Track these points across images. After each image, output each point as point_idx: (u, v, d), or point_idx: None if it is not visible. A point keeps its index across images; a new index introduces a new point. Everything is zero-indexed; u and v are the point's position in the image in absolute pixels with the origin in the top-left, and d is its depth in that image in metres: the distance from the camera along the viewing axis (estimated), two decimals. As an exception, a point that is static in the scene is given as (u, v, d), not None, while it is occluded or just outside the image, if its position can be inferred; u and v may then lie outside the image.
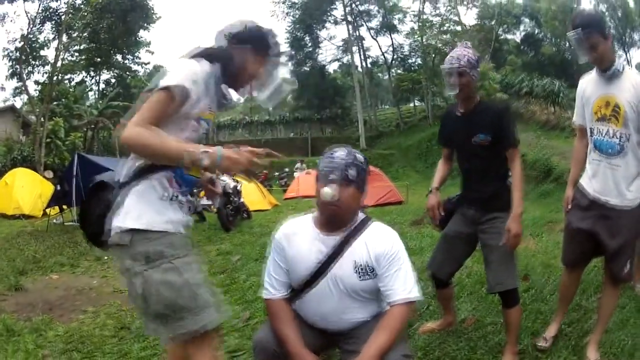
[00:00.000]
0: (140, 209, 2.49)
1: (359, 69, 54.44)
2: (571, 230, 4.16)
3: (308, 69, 53.97)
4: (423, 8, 51.07)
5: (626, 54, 57.75)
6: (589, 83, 4.07)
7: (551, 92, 36.46)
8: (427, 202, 4.19)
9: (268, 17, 52.63)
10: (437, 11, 51.24)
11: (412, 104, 59.37)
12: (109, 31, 38.65)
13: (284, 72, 2.96)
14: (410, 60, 55.66)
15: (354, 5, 51.03)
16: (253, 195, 16.91)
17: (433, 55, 48.25)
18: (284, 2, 51.48)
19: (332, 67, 60.80)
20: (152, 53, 46.01)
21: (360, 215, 3.06)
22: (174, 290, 2.45)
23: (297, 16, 51.90)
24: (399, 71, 56.13)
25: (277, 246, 3.09)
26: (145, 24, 41.82)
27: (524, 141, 26.06)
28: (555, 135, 32.29)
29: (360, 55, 54.07)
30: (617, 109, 3.82)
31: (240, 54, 2.81)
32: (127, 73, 45.22)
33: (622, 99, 3.79)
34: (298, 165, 30.43)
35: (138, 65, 46.20)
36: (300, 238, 3.03)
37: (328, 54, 56.51)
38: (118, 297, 6.45)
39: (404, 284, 2.86)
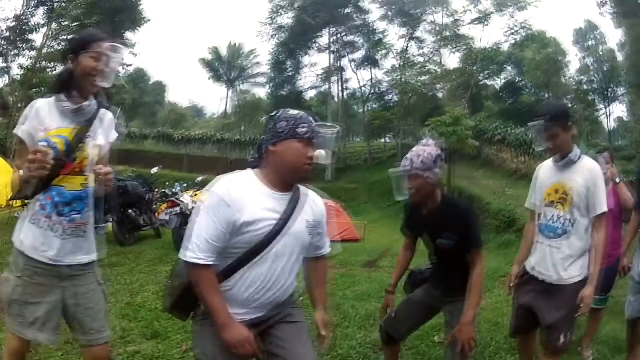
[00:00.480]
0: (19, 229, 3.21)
1: (336, 99, 54.72)
2: (515, 304, 4.42)
3: (285, 94, 54.01)
4: (407, 47, 51.51)
5: (606, 109, 59.00)
6: (545, 170, 4.34)
7: (524, 142, 36.29)
8: (384, 300, 4.36)
9: (253, 37, 52.89)
10: (421, 51, 51.74)
11: (383, 140, 59.61)
12: (97, 28, 38.33)
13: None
14: (387, 97, 55.81)
15: (340, 36, 51.08)
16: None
17: (410, 95, 48.60)
18: (270, 24, 51.53)
19: (309, 95, 61.22)
20: (136, 55, 45.80)
21: None
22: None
23: (282, 39, 51.91)
24: (374, 106, 56.40)
25: (220, 206, 2.82)
26: (133, 26, 41.49)
27: (490, 189, 26.27)
28: (524, 185, 32.23)
29: (338, 85, 54.15)
30: (565, 196, 4.10)
31: (74, 63, 3.20)
32: (109, 72, 44.93)
33: (572, 186, 4.06)
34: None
35: (120, 65, 45.88)
36: (250, 197, 2.89)
37: (307, 80, 56.44)
38: None
39: (327, 238, 3.33)
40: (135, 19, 40.79)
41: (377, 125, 48.68)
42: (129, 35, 41.81)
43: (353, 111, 67.74)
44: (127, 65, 45.54)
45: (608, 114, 60.53)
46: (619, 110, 72.95)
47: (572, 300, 3.90)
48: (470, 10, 45.96)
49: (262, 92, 58.54)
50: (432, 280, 4.25)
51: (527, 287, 4.21)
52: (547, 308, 4.01)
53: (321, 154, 2.89)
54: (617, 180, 5.50)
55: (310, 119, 3.00)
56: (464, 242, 3.82)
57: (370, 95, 55.42)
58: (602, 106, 59.67)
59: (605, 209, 3.99)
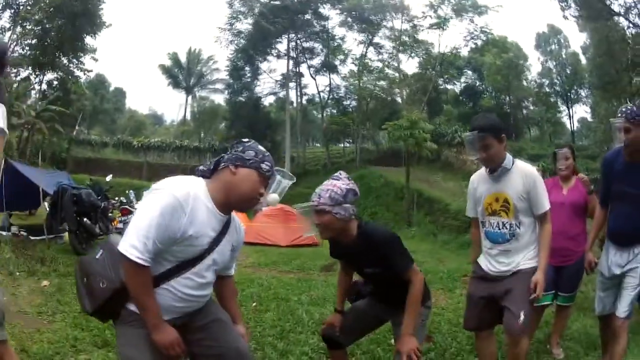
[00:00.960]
0: None
1: (294, 104, 54.67)
2: (470, 297, 4.43)
3: (244, 100, 53.76)
4: (366, 52, 51.76)
5: (569, 110, 59.98)
6: (479, 182, 4.36)
7: (483, 144, 36.65)
8: (330, 317, 4.26)
9: (212, 42, 52.52)
10: (380, 57, 51.93)
11: (342, 145, 59.82)
12: (58, 32, 37.91)
13: None
14: (345, 102, 56.08)
15: (298, 41, 51.13)
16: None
17: (368, 100, 48.80)
18: (229, 30, 51.29)
19: (267, 101, 60.98)
20: (97, 60, 45.18)
21: None
22: None
23: (240, 45, 51.61)
24: (333, 111, 56.56)
25: (176, 212, 2.79)
26: (93, 30, 41.01)
27: (450, 190, 26.49)
28: (484, 186, 32.79)
29: (297, 91, 54.21)
30: (506, 204, 4.18)
31: None
32: (70, 77, 44.18)
33: (511, 193, 4.15)
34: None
35: (81, 71, 45.23)
36: (201, 212, 2.91)
37: (266, 86, 56.34)
38: (22, 318, 6.01)
39: (235, 261, 3.46)
40: (95, 24, 40.35)
41: (335, 129, 48.83)
42: (89, 40, 41.37)
43: (312, 116, 67.91)
44: (88, 71, 45.02)
45: (571, 115, 61.63)
46: (582, 111, 74.51)
47: (527, 281, 3.97)
48: (430, 16, 46.37)
49: (220, 99, 58.25)
50: (372, 296, 4.19)
51: (485, 282, 4.27)
52: (504, 289, 4.08)
53: (274, 198, 3.01)
54: (591, 188, 5.58)
55: (272, 161, 3.10)
56: (390, 270, 3.75)
57: (328, 101, 55.60)
58: (564, 108, 60.62)
59: (547, 207, 4.12)
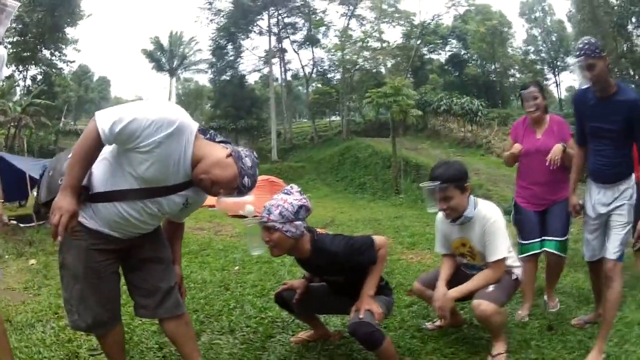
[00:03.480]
0: None
1: (279, 81, 54.52)
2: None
3: (228, 78, 53.69)
4: (348, 24, 51.53)
5: (555, 77, 60.26)
6: (444, 224, 4.33)
7: (469, 110, 37.14)
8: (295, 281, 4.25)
9: (192, 22, 52.08)
10: (362, 28, 51.67)
11: (328, 119, 59.74)
12: (38, 25, 37.68)
13: None
14: (329, 75, 56.05)
15: (280, 17, 50.88)
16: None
17: (352, 71, 48.75)
18: (209, 9, 50.93)
19: (252, 78, 61.05)
20: (79, 51, 45.01)
21: None
22: None
23: (221, 24, 51.34)
24: (318, 85, 56.37)
25: (162, 127, 2.69)
26: (73, 21, 40.75)
27: (438, 157, 26.58)
28: (471, 152, 33.13)
29: (280, 67, 54.00)
30: (471, 250, 4.23)
31: None
32: (53, 70, 43.98)
33: (473, 241, 4.17)
34: None
35: (64, 62, 45.00)
36: (177, 151, 2.82)
37: (249, 64, 56.08)
38: (9, 294, 6.11)
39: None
40: (74, 14, 40.10)
41: (318, 100, 48.74)
42: (69, 30, 41.17)
43: (297, 92, 67.79)
44: (70, 62, 44.84)
45: (557, 82, 61.88)
46: (569, 79, 74.43)
47: (503, 282, 4.10)
48: (412, -17, 46.02)
49: (204, 79, 58.00)
50: (335, 290, 4.09)
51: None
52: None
53: (249, 209, 3.10)
54: (570, 150, 4.94)
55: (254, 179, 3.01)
56: (355, 273, 3.71)
57: (312, 75, 55.50)
58: (551, 76, 60.76)
59: (500, 256, 4.02)
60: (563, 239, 5.10)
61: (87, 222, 2.91)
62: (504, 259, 4.06)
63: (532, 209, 5.20)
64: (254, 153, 3.08)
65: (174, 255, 3.40)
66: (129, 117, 2.63)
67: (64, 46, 43.55)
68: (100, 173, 2.87)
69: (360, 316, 3.48)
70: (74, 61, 46.61)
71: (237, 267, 7.09)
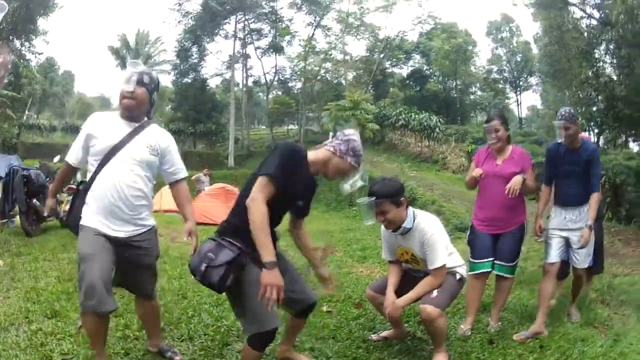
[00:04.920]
0: None
1: (240, 86, 54.38)
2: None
3: (190, 81, 53.16)
4: (313, 34, 51.62)
5: (517, 96, 61.54)
6: (388, 234, 4.76)
7: (427, 126, 37.62)
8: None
9: (160, 23, 51.69)
10: (327, 39, 51.86)
11: (287, 127, 60.03)
12: (13, 15, 37.14)
13: None
14: (290, 84, 56.09)
15: (247, 23, 50.69)
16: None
17: (313, 82, 49.01)
18: (178, 10, 50.48)
19: (214, 82, 60.68)
20: (48, 43, 44.48)
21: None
22: None
23: (189, 26, 50.89)
24: (278, 93, 56.52)
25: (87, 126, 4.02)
26: (46, 12, 40.23)
27: (393, 171, 26.94)
28: (427, 167, 33.47)
29: (243, 72, 53.72)
30: (414, 257, 4.65)
31: None
32: (21, 61, 43.38)
33: (415, 250, 4.59)
34: (201, 177, 26.78)
35: (32, 54, 44.40)
36: (108, 121, 4.04)
37: (212, 67, 55.87)
38: None
39: (181, 165, 4.24)
40: (47, 5, 39.58)
41: (278, 110, 48.85)
42: (41, 21, 40.62)
43: (257, 98, 67.70)
44: (39, 54, 44.28)
45: (519, 102, 62.93)
46: (531, 99, 75.86)
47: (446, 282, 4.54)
48: (380, -2, 46.16)
49: (167, 80, 57.68)
50: None
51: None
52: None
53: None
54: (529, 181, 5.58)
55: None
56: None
57: (274, 82, 55.44)
58: (512, 95, 61.76)
59: (440, 264, 4.43)
60: (513, 263, 5.59)
61: None
62: (444, 266, 4.46)
63: (487, 231, 5.62)
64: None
65: (186, 214, 4.33)
66: (76, 142, 4.14)
67: (34, 37, 43.01)
68: None
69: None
70: (42, 53, 45.92)
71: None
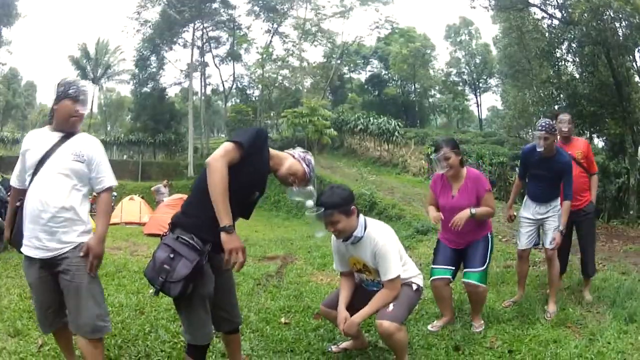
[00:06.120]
0: None
1: (199, 94, 54.35)
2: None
3: (149, 90, 52.84)
4: (271, 41, 51.81)
5: (477, 97, 62.21)
6: (339, 244, 4.67)
7: (386, 130, 37.87)
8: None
9: (119, 32, 51.17)
10: (285, 46, 52.02)
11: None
12: None
13: None
14: (249, 91, 56.48)
15: (205, 31, 50.60)
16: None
17: (271, 89, 49.17)
18: (137, 19, 50.06)
19: (172, 91, 60.43)
20: (11, 53, 44.04)
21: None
22: None
23: (147, 35, 50.56)
24: (237, 101, 56.72)
25: (23, 145, 3.98)
26: (9, 21, 39.76)
27: (353, 176, 27.11)
28: (387, 171, 33.48)
29: (201, 81, 53.69)
30: (366, 266, 4.59)
31: None
32: (-17, 71, 42.95)
33: (366, 260, 4.52)
34: (161, 188, 25.80)
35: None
36: (37, 135, 4.02)
37: (170, 76, 55.52)
38: None
39: (107, 173, 4.01)
40: (11, 15, 39.11)
41: (236, 118, 48.57)
42: (4, 32, 40.10)
43: (216, 107, 67.65)
44: (3, 64, 43.74)
45: (479, 103, 63.59)
46: (491, 99, 76.64)
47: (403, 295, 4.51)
48: (337, 5, 46.55)
49: (126, 90, 57.11)
50: None
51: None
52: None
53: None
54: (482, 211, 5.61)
55: (77, 84, 4.00)
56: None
57: (232, 90, 55.59)
58: (472, 96, 62.39)
59: (393, 275, 4.38)
60: (481, 269, 5.52)
61: None
62: (398, 277, 4.41)
63: (452, 246, 5.79)
64: (58, 82, 4.03)
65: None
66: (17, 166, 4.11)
67: (-3, 48, 42.57)
68: None
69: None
70: (5, 63, 45.44)
71: (151, 291, 6.73)
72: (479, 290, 5.56)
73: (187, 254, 3.43)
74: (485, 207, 5.52)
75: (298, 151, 4.08)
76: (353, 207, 4.38)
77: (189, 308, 3.58)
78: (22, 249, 3.86)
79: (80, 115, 3.97)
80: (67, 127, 3.96)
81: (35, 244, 3.75)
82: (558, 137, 6.44)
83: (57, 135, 3.93)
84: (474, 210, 5.44)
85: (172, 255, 3.43)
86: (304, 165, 3.97)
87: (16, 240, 3.98)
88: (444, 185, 5.75)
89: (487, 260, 5.63)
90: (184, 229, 3.55)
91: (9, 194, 12.09)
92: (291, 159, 4.00)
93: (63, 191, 3.79)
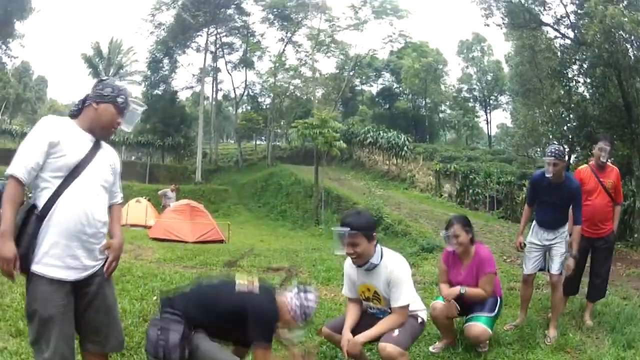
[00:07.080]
0: None
1: (209, 99, 54.48)
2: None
3: (160, 93, 53.04)
4: (284, 50, 51.81)
5: (487, 114, 61.68)
6: (352, 270, 4.74)
7: (395, 144, 37.76)
8: None
9: (132, 33, 51.19)
10: (298, 55, 52.05)
11: (255, 142, 60.30)
12: None
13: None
14: (260, 99, 56.50)
15: (218, 36, 50.64)
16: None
17: (282, 98, 49.18)
18: (151, 21, 50.08)
19: (183, 95, 60.59)
20: (24, 47, 44.23)
21: None
22: None
23: (161, 37, 50.66)
24: (248, 107, 56.42)
25: (48, 132, 3.41)
26: (23, 15, 39.91)
27: (360, 189, 26.99)
28: (395, 185, 33.55)
29: (213, 86, 53.77)
30: (377, 294, 4.64)
31: None
32: (-3, 64, 43.10)
33: (379, 288, 4.58)
34: (168, 193, 24.76)
35: (8, 57, 43.99)
36: (70, 131, 3.51)
37: (182, 80, 55.48)
38: None
39: (120, 187, 3.90)
40: (25, 9, 39.25)
41: (245, 126, 48.72)
42: (18, 25, 40.27)
43: (226, 113, 67.62)
44: (14, 57, 43.85)
45: (489, 120, 63.28)
46: (501, 117, 76.25)
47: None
48: (351, 17, 46.21)
49: (137, 91, 57.11)
50: None
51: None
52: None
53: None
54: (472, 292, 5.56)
55: (127, 94, 3.72)
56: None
57: (243, 97, 55.50)
58: (482, 113, 62.10)
59: (404, 303, 4.47)
60: (495, 314, 5.66)
61: None
62: (407, 305, 4.49)
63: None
64: (104, 80, 3.72)
65: (113, 232, 3.75)
66: (28, 153, 3.36)
67: (11, 40, 42.67)
68: None
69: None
70: (17, 57, 45.56)
71: (155, 297, 7.06)
72: (483, 335, 5.52)
73: (174, 326, 3.83)
74: (480, 289, 5.50)
75: (294, 303, 4.14)
76: (375, 233, 4.48)
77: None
78: (44, 270, 3.27)
79: (116, 127, 3.68)
80: (99, 133, 3.60)
81: (71, 263, 3.33)
82: (590, 162, 6.96)
83: (89, 139, 3.54)
84: (463, 290, 5.48)
85: (162, 331, 3.80)
86: (297, 320, 4.14)
87: (24, 259, 3.24)
88: (455, 260, 5.81)
89: (496, 310, 5.71)
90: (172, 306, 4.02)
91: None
92: (286, 311, 4.12)
93: (105, 205, 3.60)
